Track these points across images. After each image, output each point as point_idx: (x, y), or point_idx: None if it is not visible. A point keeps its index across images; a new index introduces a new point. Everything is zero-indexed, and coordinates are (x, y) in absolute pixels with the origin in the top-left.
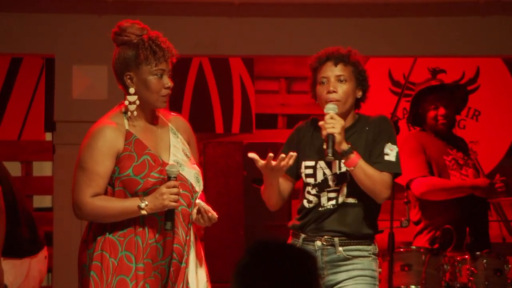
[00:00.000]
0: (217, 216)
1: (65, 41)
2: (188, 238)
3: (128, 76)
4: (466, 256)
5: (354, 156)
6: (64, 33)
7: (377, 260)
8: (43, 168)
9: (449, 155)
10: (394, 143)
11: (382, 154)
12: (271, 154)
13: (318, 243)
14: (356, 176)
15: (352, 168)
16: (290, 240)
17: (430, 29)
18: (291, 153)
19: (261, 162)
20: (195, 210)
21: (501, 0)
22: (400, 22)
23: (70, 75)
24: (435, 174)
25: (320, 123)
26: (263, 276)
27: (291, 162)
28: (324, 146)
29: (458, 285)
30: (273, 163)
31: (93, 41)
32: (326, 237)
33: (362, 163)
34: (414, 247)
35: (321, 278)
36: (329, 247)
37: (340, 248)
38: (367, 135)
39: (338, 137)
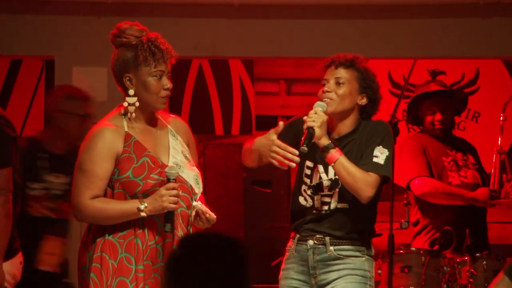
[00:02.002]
0: (215, 217)
1: (64, 43)
2: None
3: (127, 78)
4: (466, 258)
5: (334, 152)
6: (64, 34)
7: (373, 262)
8: None
9: (448, 156)
10: (386, 147)
11: (371, 156)
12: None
13: (310, 242)
14: (337, 172)
15: (333, 164)
16: (289, 243)
17: (429, 31)
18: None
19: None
20: (193, 212)
21: (501, 2)
22: (400, 24)
23: (69, 76)
24: (434, 175)
25: (304, 117)
26: (193, 267)
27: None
28: (302, 138)
29: (457, 286)
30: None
31: (93, 42)
32: (317, 236)
33: (343, 160)
34: (413, 248)
35: (313, 277)
36: (320, 246)
37: (331, 247)
38: (361, 139)
39: (317, 131)
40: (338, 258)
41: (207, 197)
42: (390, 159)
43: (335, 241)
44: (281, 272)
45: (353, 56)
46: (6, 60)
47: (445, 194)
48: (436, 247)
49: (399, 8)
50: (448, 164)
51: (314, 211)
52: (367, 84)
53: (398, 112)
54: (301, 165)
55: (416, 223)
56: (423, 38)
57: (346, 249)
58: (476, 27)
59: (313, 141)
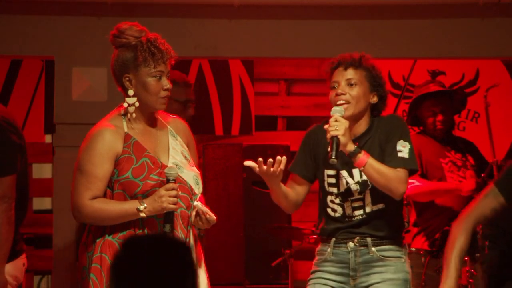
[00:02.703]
0: (215, 218)
1: (64, 43)
2: (187, 240)
3: (127, 78)
4: (466, 258)
5: (362, 155)
6: (64, 35)
7: (409, 261)
8: (43, 170)
9: (446, 157)
10: (406, 139)
11: (395, 151)
12: (270, 160)
13: (351, 244)
14: (368, 175)
15: (363, 168)
16: (319, 247)
17: (429, 31)
18: (279, 158)
19: (258, 169)
20: (193, 212)
21: (501, 2)
22: (400, 24)
23: (69, 77)
24: (429, 177)
25: (325, 126)
26: (137, 268)
27: (282, 167)
28: (328, 149)
29: (457, 287)
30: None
31: (93, 43)
32: (358, 238)
33: (372, 162)
34: (413, 249)
35: (353, 279)
36: (362, 247)
37: (373, 249)
38: (379, 136)
39: (342, 139)
40: (381, 260)
41: (207, 198)
42: (413, 151)
43: (377, 241)
44: (311, 275)
45: (360, 56)
46: (6, 60)
47: (430, 192)
48: (436, 247)
49: (399, 8)
50: (445, 165)
51: (347, 219)
52: (377, 82)
53: (398, 113)
54: (320, 178)
55: (415, 224)
56: (423, 38)
57: (387, 249)
58: (476, 27)
59: (340, 149)
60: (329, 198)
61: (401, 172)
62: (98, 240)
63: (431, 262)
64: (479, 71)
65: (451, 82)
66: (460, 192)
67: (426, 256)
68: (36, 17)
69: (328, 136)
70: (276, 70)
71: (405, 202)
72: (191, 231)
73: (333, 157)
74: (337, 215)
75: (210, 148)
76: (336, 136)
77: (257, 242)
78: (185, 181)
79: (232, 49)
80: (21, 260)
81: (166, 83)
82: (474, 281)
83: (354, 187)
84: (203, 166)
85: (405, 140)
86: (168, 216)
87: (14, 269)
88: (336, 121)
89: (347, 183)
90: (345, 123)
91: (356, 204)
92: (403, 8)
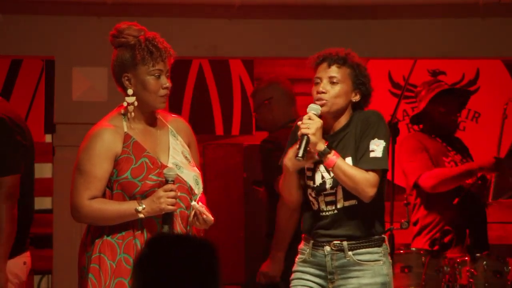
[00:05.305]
0: (212, 218)
1: (65, 43)
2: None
3: (126, 78)
4: (466, 258)
5: (332, 156)
6: (64, 35)
7: (390, 262)
8: (43, 170)
9: (448, 156)
10: (381, 137)
11: (368, 151)
12: None
13: (327, 248)
14: (336, 176)
15: (331, 168)
16: (301, 245)
17: (429, 31)
18: None
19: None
20: (193, 213)
21: (501, 2)
22: (400, 24)
23: (70, 77)
24: None
25: (298, 123)
26: (161, 267)
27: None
28: (297, 146)
29: (458, 286)
30: None
31: (93, 43)
32: (335, 242)
33: (340, 163)
34: (414, 249)
35: (331, 282)
36: (338, 252)
37: (350, 253)
38: (356, 131)
39: (312, 138)
40: (357, 264)
41: (206, 198)
42: (386, 149)
43: (353, 244)
44: (293, 274)
45: (345, 53)
46: (6, 60)
47: (453, 177)
48: (436, 247)
49: (399, 8)
50: (448, 164)
51: (321, 214)
52: (360, 81)
53: (398, 113)
54: (302, 170)
55: (415, 223)
56: (423, 38)
57: (364, 252)
58: (476, 27)
59: (308, 148)
60: (308, 191)
61: (371, 175)
62: (97, 241)
63: (431, 262)
64: (479, 71)
65: (451, 82)
66: (482, 171)
67: (426, 256)
68: (36, 17)
69: (299, 133)
70: (276, 70)
71: (405, 202)
72: (190, 231)
73: (299, 155)
74: (314, 208)
75: (210, 148)
76: (307, 135)
77: (258, 242)
78: (185, 181)
79: (232, 49)
80: (22, 259)
81: (165, 81)
82: (474, 281)
83: (328, 182)
84: (203, 166)
85: (379, 138)
86: (166, 217)
87: (14, 266)
88: (309, 119)
89: (322, 177)
90: (317, 123)
91: (328, 199)
92: (403, 8)
